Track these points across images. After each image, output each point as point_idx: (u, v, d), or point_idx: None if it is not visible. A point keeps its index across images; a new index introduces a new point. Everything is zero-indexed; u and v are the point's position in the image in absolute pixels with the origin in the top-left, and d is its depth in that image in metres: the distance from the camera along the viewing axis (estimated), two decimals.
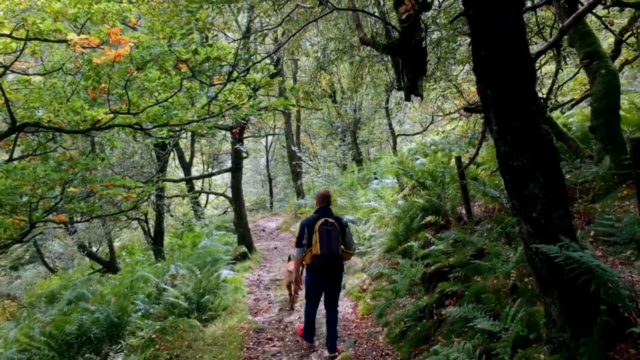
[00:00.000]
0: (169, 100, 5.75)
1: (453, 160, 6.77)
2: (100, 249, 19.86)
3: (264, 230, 17.02)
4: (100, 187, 6.11)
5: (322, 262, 4.32)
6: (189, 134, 11.94)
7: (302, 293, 5.75)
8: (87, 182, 6.35)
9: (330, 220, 4.42)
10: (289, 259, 6.46)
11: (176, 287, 6.76)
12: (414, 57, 2.73)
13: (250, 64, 3.77)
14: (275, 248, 12.63)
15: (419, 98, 3.03)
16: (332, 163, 20.84)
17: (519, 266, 3.78)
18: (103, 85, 4.87)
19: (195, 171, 26.60)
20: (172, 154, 20.44)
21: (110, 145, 6.30)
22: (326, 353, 4.52)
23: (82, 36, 4.60)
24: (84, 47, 5.11)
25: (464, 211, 5.61)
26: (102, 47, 5.11)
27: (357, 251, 7.94)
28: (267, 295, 7.39)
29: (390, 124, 17.14)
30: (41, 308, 14.02)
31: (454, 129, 9.39)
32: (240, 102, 5.82)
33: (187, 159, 18.78)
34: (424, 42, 2.79)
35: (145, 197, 7.81)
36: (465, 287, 4.09)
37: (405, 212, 6.56)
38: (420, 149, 15.60)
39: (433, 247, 5.23)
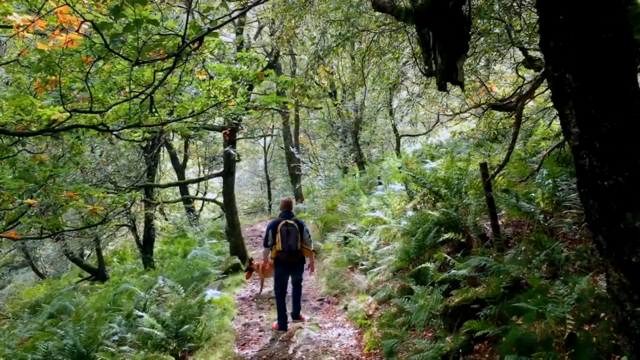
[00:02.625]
0: (140, 96, 4.90)
1: (472, 165, 5.92)
2: (92, 254, 19.04)
3: (260, 236, 16.13)
4: (64, 198, 5.25)
5: (283, 255, 5.40)
6: (179, 134, 11.04)
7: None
8: (51, 193, 5.50)
9: (291, 222, 5.43)
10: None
11: (151, 312, 5.90)
12: (452, 27, 1.91)
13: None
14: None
15: (456, 87, 2.25)
16: (333, 164, 19.95)
17: (574, 307, 2.92)
18: (54, 77, 4.02)
19: (191, 173, 25.74)
20: (165, 155, 19.61)
21: (76, 149, 5.44)
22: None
23: (25, 17, 3.74)
24: (34, 33, 4.25)
25: (488, 227, 4.75)
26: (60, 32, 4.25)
27: (362, 267, 7.09)
28: (259, 318, 6.53)
29: (394, 125, 16.28)
30: (24, 319, 13.21)
31: (473, 129, 8.47)
32: (225, 99, 4.97)
33: (181, 161, 17.93)
34: (465, 6, 1.97)
35: (120, 209, 6.95)
36: (501, 331, 3.24)
37: (417, 225, 5.71)
38: (425, 151, 14.74)
39: (453, 271, 4.39)
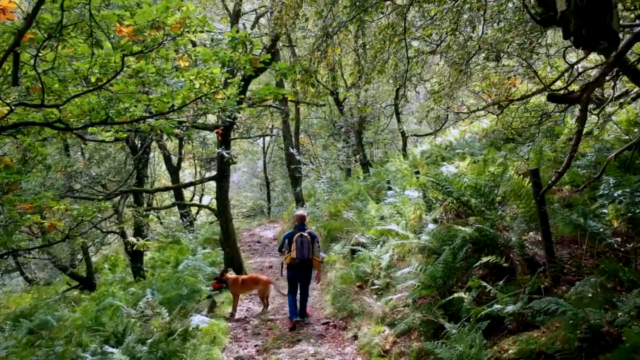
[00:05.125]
0: (105, 87, 3.99)
1: (509, 169, 5.00)
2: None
3: (259, 242, 15.23)
4: (19, 211, 4.34)
5: (297, 262, 6.15)
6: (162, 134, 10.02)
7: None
8: (6, 203, 4.59)
9: (305, 234, 6.22)
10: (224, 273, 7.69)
11: (125, 348, 4.97)
12: None
13: None
14: (271, 267, 10.82)
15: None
16: (335, 166, 19.00)
17: None
18: None
19: (187, 175, 24.78)
20: (159, 157, 18.65)
21: (34, 152, 4.53)
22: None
23: None
24: None
25: (533, 247, 3.84)
26: None
27: (373, 287, 6.18)
28: (255, 348, 5.62)
29: (400, 123, 15.38)
30: (5, 332, 12.33)
31: (509, 127, 7.49)
32: (211, 91, 4.06)
33: (176, 162, 16.97)
34: None
35: (93, 222, 6.03)
36: None
37: (441, 242, 4.80)
38: (435, 152, 13.83)
39: (497, 305, 3.47)
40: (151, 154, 17.38)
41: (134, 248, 6.68)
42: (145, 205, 17.40)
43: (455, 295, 3.89)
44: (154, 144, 14.20)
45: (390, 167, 13.24)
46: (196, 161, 22.11)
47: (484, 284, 3.80)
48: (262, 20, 12.60)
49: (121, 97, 4.28)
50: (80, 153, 12.27)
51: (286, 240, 6.32)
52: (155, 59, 4.39)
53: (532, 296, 3.43)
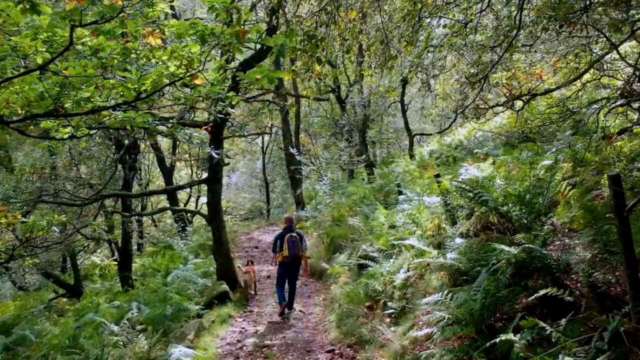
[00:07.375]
0: (53, 70, 3.11)
1: (555, 173, 4.11)
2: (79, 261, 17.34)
3: (257, 248, 14.30)
4: None
5: (289, 260, 6.93)
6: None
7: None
8: None
9: (293, 234, 7.04)
10: (248, 263, 8.56)
11: None
12: None
13: None
14: (269, 277, 9.90)
15: None
16: (337, 166, 18.08)
17: None
18: None
19: (184, 175, 23.87)
20: (150, 157, 17.75)
21: None
22: None
23: None
24: None
25: (604, 277, 2.95)
26: None
27: (387, 310, 5.29)
28: None
29: (406, 121, 14.50)
30: None
31: (531, 124, 6.66)
32: (187, 74, 3.18)
33: (169, 163, 16.08)
34: None
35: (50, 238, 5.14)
36: None
37: (473, 262, 3.91)
38: (445, 151, 12.95)
39: (566, 357, 2.59)
40: (145, 155, 16.51)
41: (97, 270, 5.80)
42: (139, 208, 16.51)
43: (503, 337, 3.00)
44: (146, 143, 13.33)
45: (396, 168, 12.35)
46: (192, 162, 21.19)
47: (542, 324, 2.91)
48: (261, 14, 11.72)
49: (76, 82, 3.39)
50: (69, 152, 11.39)
51: (277, 241, 7.07)
52: (120, 37, 3.52)
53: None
